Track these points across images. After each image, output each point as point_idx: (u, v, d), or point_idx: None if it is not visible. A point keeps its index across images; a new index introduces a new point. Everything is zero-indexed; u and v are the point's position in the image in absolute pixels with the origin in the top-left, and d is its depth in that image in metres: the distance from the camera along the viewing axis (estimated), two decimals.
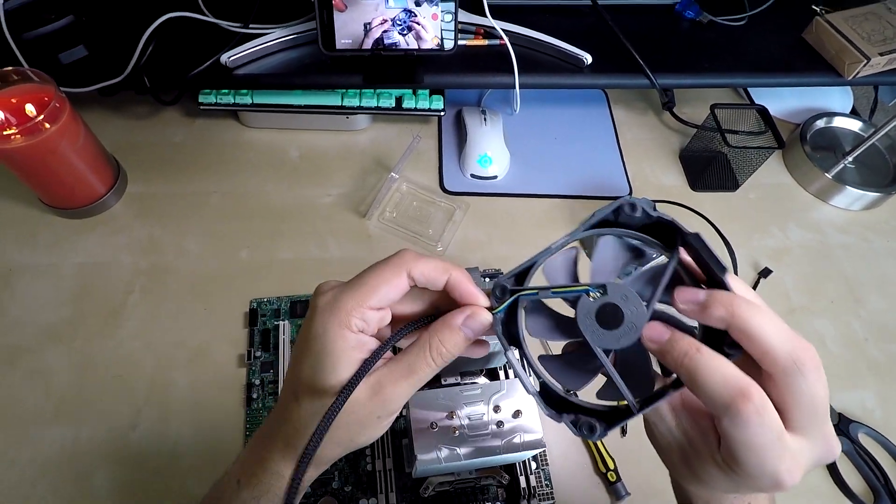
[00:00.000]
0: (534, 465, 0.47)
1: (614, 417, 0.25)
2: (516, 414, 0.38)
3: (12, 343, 0.50)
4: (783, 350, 0.22)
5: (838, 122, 0.74)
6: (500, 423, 0.38)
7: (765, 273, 0.63)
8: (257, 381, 0.49)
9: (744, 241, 0.65)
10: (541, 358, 0.28)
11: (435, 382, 0.44)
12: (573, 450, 0.50)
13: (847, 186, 0.67)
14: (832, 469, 0.52)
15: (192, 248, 0.58)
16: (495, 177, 0.66)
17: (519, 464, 0.46)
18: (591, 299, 0.25)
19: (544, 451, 0.48)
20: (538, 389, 0.27)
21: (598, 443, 0.50)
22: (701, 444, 0.26)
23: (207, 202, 0.61)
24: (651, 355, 0.26)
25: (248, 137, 0.67)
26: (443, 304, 0.28)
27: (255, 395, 0.48)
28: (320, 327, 0.26)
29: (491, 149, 0.65)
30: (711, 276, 0.25)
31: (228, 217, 0.60)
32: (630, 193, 0.67)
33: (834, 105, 0.77)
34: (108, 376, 0.49)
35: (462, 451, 0.37)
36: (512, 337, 0.28)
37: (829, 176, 0.68)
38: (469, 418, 0.38)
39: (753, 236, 0.66)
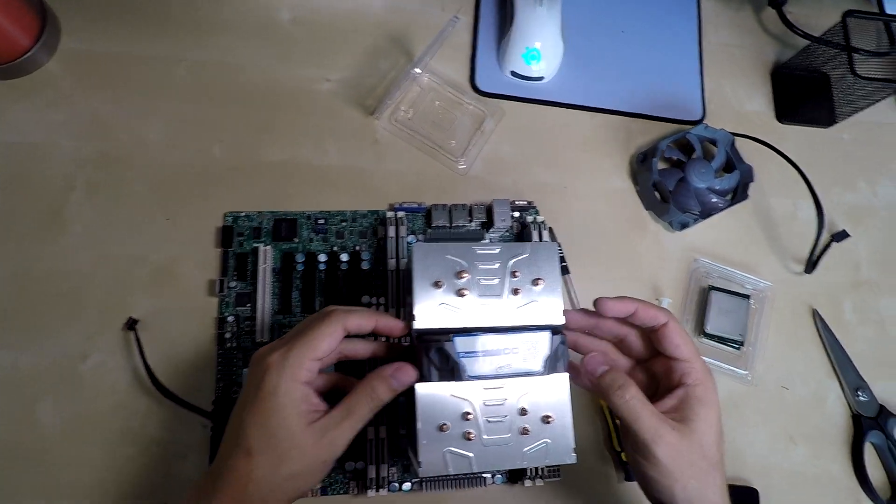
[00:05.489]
0: None
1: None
2: (546, 419, 0.31)
3: None
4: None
5: None
6: (524, 430, 0.31)
7: (839, 237, 0.53)
8: (231, 318, 0.41)
9: (822, 192, 0.53)
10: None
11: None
12: (586, 425, 0.45)
13: None
14: (856, 459, 0.48)
15: (151, 136, 0.45)
16: (541, 78, 0.52)
17: None
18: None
19: None
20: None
21: (616, 420, 0.44)
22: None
23: (172, 74, 0.47)
24: None
25: None
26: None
27: (227, 335, 0.40)
28: (272, 384, 0.28)
29: (542, 39, 0.50)
30: None
31: (198, 97, 0.47)
32: (703, 119, 0.54)
33: None
34: (51, 293, 0.41)
35: (476, 457, 0.30)
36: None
37: None
38: (489, 420, 0.30)
39: (834, 189, 0.55)
